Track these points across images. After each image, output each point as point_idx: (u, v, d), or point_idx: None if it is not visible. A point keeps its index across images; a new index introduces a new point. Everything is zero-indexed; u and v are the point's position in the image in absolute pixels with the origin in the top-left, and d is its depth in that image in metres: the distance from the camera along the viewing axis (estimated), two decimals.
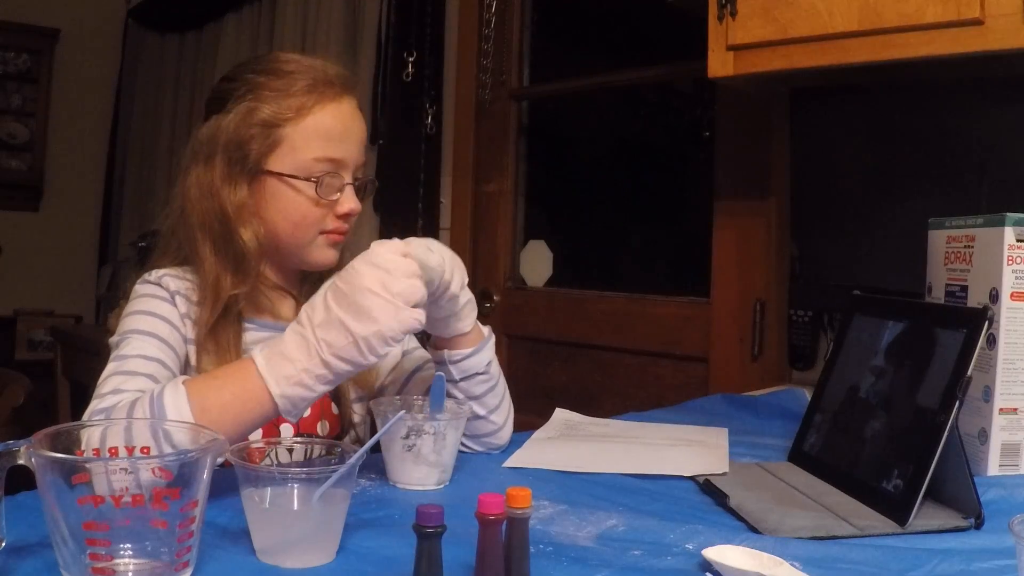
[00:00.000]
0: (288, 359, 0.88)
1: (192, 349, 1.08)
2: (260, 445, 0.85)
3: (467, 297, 1.07)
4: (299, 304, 1.17)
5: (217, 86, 1.16)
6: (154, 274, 1.10)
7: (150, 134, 4.06)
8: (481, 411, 1.12)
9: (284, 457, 1.07)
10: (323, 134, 1.09)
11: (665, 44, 2.30)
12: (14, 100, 4.34)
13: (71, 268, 4.39)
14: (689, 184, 2.46)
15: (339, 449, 0.83)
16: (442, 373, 1.06)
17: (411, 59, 2.57)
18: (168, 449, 0.80)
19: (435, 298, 1.00)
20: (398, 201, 2.62)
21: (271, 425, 1.09)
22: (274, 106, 1.08)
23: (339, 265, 1.14)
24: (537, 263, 2.56)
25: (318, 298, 0.91)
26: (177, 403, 0.87)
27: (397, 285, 0.89)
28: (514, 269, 2.57)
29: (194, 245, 1.10)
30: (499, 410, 1.15)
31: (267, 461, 1.09)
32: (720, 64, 1.58)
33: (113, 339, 1.03)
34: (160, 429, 0.81)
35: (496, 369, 1.15)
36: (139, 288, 1.09)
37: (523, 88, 2.59)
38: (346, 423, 1.19)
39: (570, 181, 2.78)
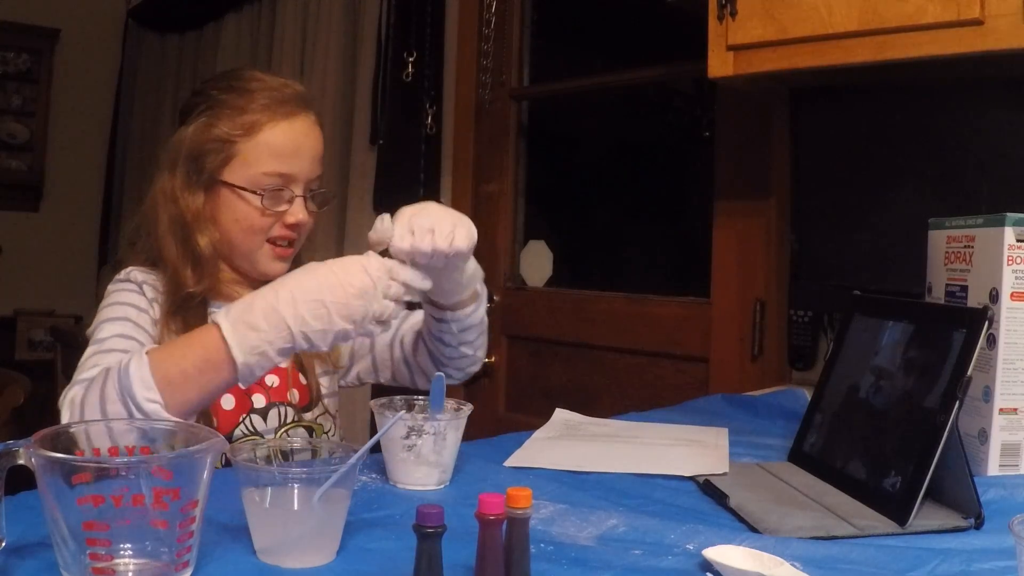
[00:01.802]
0: (255, 330, 0.92)
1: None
2: (270, 443, 0.85)
3: (473, 266, 1.14)
4: None
5: (187, 99, 1.25)
6: (123, 273, 1.18)
7: (150, 134, 4.06)
8: (468, 351, 1.24)
9: (259, 424, 1.16)
10: (273, 150, 1.17)
11: (665, 44, 2.29)
12: (14, 100, 4.34)
13: (71, 268, 4.39)
14: (689, 184, 2.46)
15: (339, 449, 0.83)
16: (441, 374, 1.06)
17: (411, 59, 2.57)
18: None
19: (441, 263, 1.03)
20: (398, 201, 2.60)
21: (243, 395, 1.18)
22: (229, 123, 1.16)
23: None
24: (537, 263, 2.56)
25: (301, 273, 0.97)
26: (141, 372, 0.92)
27: (378, 305, 0.95)
28: (514, 269, 2.57)
29: (160, 245, 1.18)
30: (483, 346, 1.27)
31: (241, 429, 1.13)
32: (720, 64, 1.58)
33: (90, 330, 1.11)
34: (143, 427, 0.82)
35: (485, 315, 1.25)
36: (111, 287, 1.18)
37: (523, 88, 2.59)
38: (314, 394, 1.25)
39: (570, 181, 2.78)
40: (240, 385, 0.97)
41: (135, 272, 1.17)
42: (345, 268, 0.95)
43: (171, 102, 3.94)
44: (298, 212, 1.19)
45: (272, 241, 1.20)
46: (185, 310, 1.15)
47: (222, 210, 1.18)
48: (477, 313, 1.22)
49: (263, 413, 1.18)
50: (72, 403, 0.95)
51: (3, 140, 4.33)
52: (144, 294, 1.15)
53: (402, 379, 1.32)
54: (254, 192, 1.16)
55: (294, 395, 1.22)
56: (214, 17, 3.67)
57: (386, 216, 1.02)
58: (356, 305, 0.94)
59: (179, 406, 0.93)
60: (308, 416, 1.24)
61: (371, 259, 0.97)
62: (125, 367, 0.93)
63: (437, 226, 1.00)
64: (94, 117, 4.43)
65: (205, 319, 1.16)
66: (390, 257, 0.99)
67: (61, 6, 4.35)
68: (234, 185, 1.17)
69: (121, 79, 4.39)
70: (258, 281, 1.23)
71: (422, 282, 0.99)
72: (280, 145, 1.17)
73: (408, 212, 1.02)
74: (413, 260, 0.99)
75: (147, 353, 0.95)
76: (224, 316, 0.94)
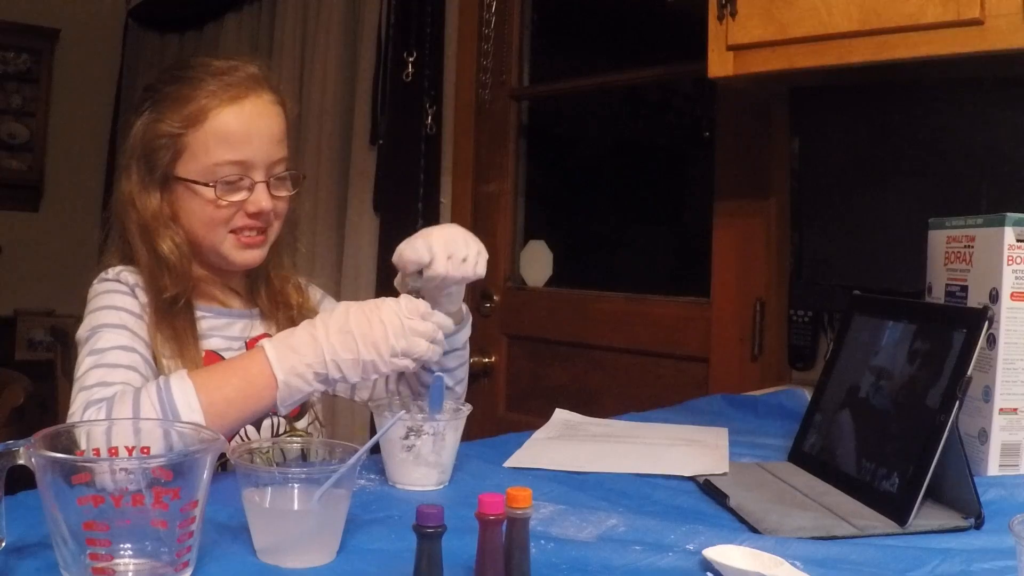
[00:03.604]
0: (296, 352, 0.97)
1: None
2: (258, 445, 0.85)
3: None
4: (242, 296, 1.24)
5: (139, 94, 1.20)
6: (111, 271, 1.14)
7: None
8: (449, 382, 1.20)
9: (252, 435, 1.15)
10: (223, 138, 1.11)
11: (665, 44, 2.30)
12: (14, 100, 4.34)
13: (71, 268, 4.37)
14: (689, 184, 2.45)
15: (339, 450, 0.83)
16: (441, 375, 1.06)
17: (411, 59, 2.56)
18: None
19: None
20: (398, 201, 2.62)
21: None
22: (174, 115, 1.11)
23: (271, 262, 1.22)
24: (537, 263, 2.56)
25: (339, 310, 1.00)
26: (186, 396, 0.93)
27: (406, 342, 0.99)
28: (514, 269, 2.57)
29: (132, 247, 1.15)
30: (463, 381, 1.25)
31: (235, 441, 1.12)
32: (720, 64, 1.58)
33: (82, 335, 1.07)
34: (172, 431, 0.83)
35: (468, 345, 1.24)
36: (98, 286, 1.13)
37: (523, 88, 2.58)
38: (306, 402, 1.23)
39: (570, 181, 2.78)
40: (280, 409, 0.98)
41: (125, 273, 1.13)
42: (376, 305, 1.01)
43: None
44: (260, 200, 1.13)
45: (236, 232, 1.14)
46: (172, 316, 1.11)
47: (180, 207, 1.14)
48: (460, 335, 1.19)
49: (256, 424, 1.16)
50: (92, 439, 0.90)
51: (3, 140, 4.32)
52: (137, 298, 1.11)
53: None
54: (206, 184, 1.11)
55: None
56: (214, 17, 3.66)
57: (419, 240, 1.06)
58: (380, 337, 0.98)
59: (219, 429, 0.90)
60: (300, 425, 1.22)
61: (403, 299, 1.01)
62: (166, 388, 0.93)
63: (469, 255, 1.07)
64: (94, 117, 4.42)
65: (193, 323, 1.14)
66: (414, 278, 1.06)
67: (61, 6, 4.35)
68: (187, 179, 1.11)
69: (121, 79, 4.39)
70: (233, 275, 1.23)
71: (446, 321, 1.07)
72: (229, 131, 1.10)
73: (442, 238, 1.06)
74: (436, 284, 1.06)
75: (189, 376, 0.96)
76: (267, 341, 0.99)
